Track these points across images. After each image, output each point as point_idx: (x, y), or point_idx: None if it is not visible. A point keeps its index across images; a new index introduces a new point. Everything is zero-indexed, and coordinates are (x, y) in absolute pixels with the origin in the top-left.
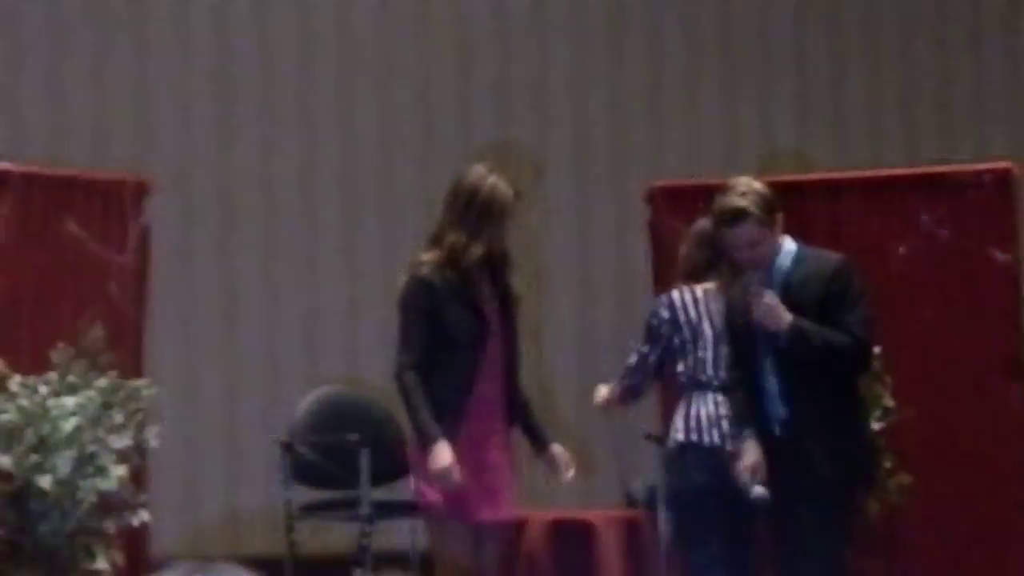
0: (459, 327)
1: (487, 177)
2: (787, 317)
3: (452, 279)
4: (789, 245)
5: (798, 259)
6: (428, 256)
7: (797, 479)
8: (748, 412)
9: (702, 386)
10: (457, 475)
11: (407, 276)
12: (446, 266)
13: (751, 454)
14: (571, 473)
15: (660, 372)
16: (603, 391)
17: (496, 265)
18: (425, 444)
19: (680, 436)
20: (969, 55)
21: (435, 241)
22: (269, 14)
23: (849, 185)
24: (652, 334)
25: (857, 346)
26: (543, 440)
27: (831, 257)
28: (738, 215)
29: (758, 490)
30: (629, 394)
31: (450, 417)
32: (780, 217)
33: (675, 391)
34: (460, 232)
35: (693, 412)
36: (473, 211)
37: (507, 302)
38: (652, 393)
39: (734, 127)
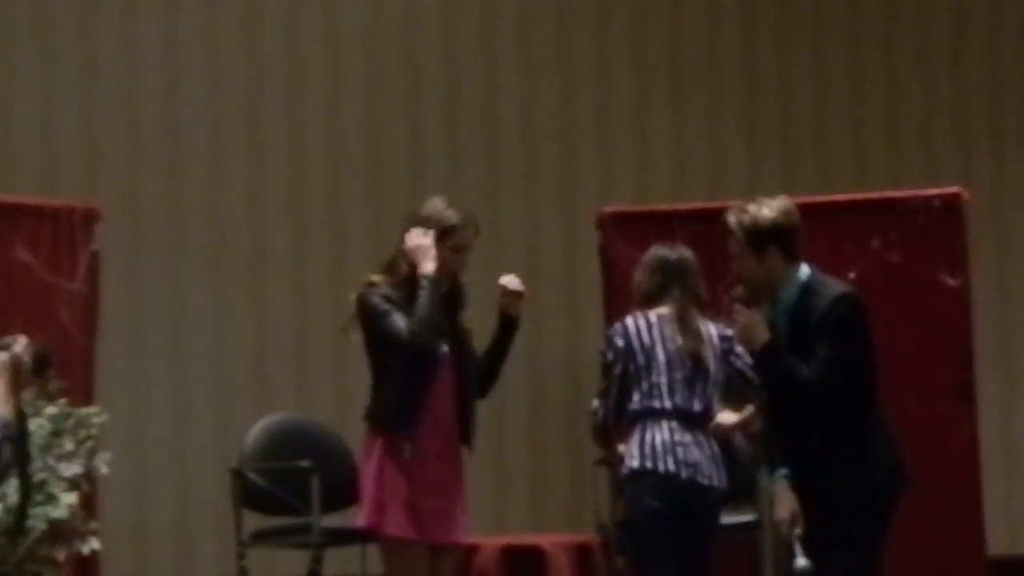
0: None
1: (444, 210)
2: (762, 338)
3: (402, 298)
4: (801, 274)
5: (807, 289)
6: (378, 278)
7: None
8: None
9: (655, 413)
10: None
11: (358, 292)
12: (395, 288)
13: (785, 502)
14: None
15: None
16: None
17: (448, 299)
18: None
19: (635, 463)
20: (917, 79)
21: (388, 269)
22: (218, 40)
23: (800, 211)
24: (609, 366)
25: (814, 383)
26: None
27: (834, 289)
28: (726, 227)
29: (801, 563)
30: (603, 436)
31: (407, 420)
32: (774, 250)
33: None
34: (407, 263)
35: (648, 439)
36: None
37: (459, 333)
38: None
39: (683, 153)
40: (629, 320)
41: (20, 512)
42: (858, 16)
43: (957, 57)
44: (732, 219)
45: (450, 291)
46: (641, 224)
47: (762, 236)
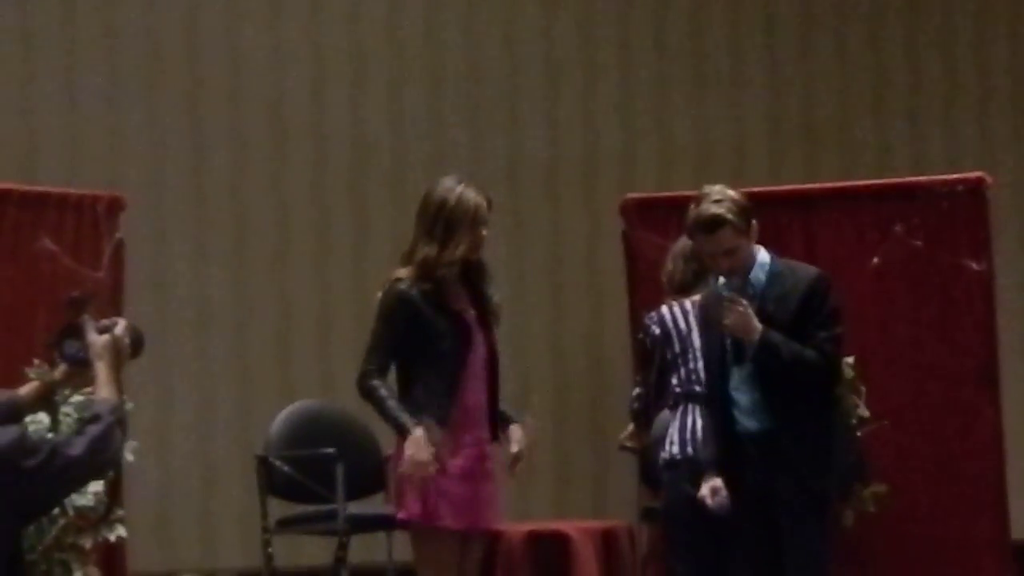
0: (440, 337)
1: (455, 188)
2: (758, 327)
3: (429, 291)
4: (763, 256)
5: (773, 272)
6: (403, 272)
7: (777, 494)
8: (716, 429)
9: (695, 397)
10: (432, 469)
11: (383, 291)
12: (421, 279)
13: (710, 481)
14: (531, 438)
15: (661, 387)
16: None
17: (473, 275)
18: (402, 434)
19: (675, 449)
20: (939, 65)
21: (408, 257)
22: (240, 32)
23: (822, 196)
24: (647, 354)
25: (825, 363)
26: (507, 419)
27: (808, 272)
28: (715, 222)
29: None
30: (643, 422)
31: (440, 415)
32: (755, 225)
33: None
34: (431, 244)
35: (688, 424)
36: (442, 222)
37: (486, 311)
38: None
39: (705, 140)
40: (664, 308)
41: (111, 499)
42: (880, 3)
43: (979, 43)
44: (721, 210)
45: (475, 268)
46: (663, 211)
47: (749, 215)
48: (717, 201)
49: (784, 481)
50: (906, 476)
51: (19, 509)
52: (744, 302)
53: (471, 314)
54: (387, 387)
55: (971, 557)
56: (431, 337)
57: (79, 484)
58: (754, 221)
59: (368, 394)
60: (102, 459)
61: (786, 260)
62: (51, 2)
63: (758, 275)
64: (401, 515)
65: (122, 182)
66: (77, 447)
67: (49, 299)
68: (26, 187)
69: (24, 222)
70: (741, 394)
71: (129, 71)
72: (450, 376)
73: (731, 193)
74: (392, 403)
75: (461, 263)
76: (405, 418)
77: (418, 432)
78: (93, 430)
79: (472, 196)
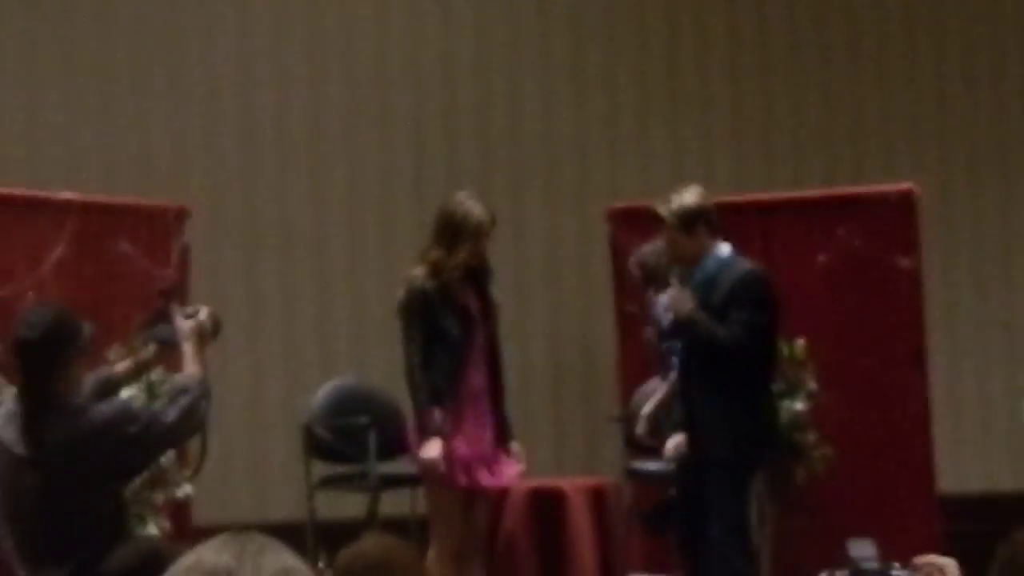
0: (449, 327)
1: (464, 203)
2: (688, 306)
3: (437, 287)
4: (721, 252)
5: (722, 265)
6: (417, 270)
7: (700, 466)
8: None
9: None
10: (443, 468)
11: (404, 288)
12: (431, 277)
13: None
14: (522, 467)
15: None
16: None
17: (478, 276)
18: (424, 434)
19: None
20: (877, 89)
21: (422, 258)
22: (284, 62)
23: (777, 204)
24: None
25: (733, 342)
26: (507, 434)
27: (742, 267)
28: (655, 218)
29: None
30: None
31: (445, 402)
32: (701, 227)
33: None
34: (440, 249)
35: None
36: (450, 231)
37: (488, 306)
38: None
39: (679, 156)
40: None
41: (201, 457)
42: (827, 37)
43: (910, 68)
44: (663, 209)
45: (480, 270)
46: (644, 218)
47: (691, 217)
48: (667, 201)
49: (698, 447)
50: (849, 441)
51: (123, 468)
52: (677, 284)
53: (475, 309)
54: (427, 385)
55: (904, 508)
56: (441, 327)
57: (172, 446)
58: (700, 223)
59: (414, 388)
60: (191, 425)
61: (737, 257)
62: (125, 39)
63: (708, 266)
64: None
65: (185, 195)
66: (171, 415)
67: (125, 295)
68: (106, 199)
69: (104, 229)
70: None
71: (191, 98)
72: (457, 360)
73: (686, 197)
74: (429, 406)
75: (465, 267)
76: (432, 421)
77: (436, 441)
78: (184, 400)
79: (477, 211)
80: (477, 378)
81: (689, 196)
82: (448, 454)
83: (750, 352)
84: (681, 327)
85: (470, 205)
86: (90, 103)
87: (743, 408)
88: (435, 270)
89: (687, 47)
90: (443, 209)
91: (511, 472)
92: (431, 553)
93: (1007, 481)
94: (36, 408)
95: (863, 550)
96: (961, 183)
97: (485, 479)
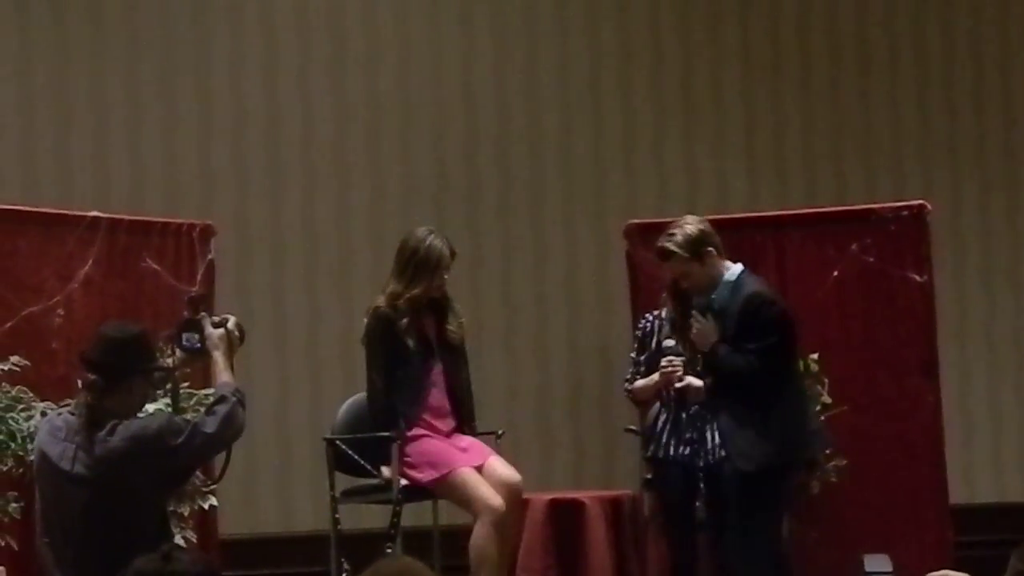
0: (407, 354)
1: (426, 239)
2: (712, 339)
3: (397, 317)
4: (731, 274)
5: (735, 287)
6: (380, 299)
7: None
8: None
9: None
10: (399, 485)
11: (367, 316)
12: (391, 307)
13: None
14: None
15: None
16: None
17: (439, 308)
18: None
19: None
20: (888, 109)
21: (383, 290)
22: (308, 84)
23: (791, 221)
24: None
25: (750, 371)
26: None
27: (749, 289)
28: (663, 254)
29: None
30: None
31: (405, 421)
32: (710, 251)
33: None
34: (400, 282)
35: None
36: (411, 265)
37: (447, 337)
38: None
39: (694, 173)
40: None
41: (224, 467)
42: (837, 59)
43: (920, 92)
44: (668, 244)
45: (442, 301)
46: (661, 234)
47: (697, 244)
48: (670, 235)
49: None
50: (862, 452)
51: (168, 478)
52: (701, 319)
53: (433, 337)
54: (389, 410)
55: (917, 518)
56: (402, 352)
57: (213, 455)
58: (710, 248)
59: (375, 411)
60: (231, 433)
61: (745, 277)
62: (153, 63)
63: (722, 291)
64: (426, 483)
65: (212, 213)
66: (210, 425)
67: (152, 309)
68: (134, 217)
69: (132, 246)
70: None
71: (218, 121)
72: (417, 383)
73: (688, 227)
74: (386, 427)
75: (427, 298)
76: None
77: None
78: (221, 410)
79: (438, 246)
80: (438, 401)
81: (690, 226)
82: (416, 457)
83: (769, 374)
84: (706, 360)
85: (431, 240)
86: (118, 128)
87: (775, 419)
88: (392, 301)
89: (702, 66)
90: (406, 243)
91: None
92: (477, 531)
93: (1018, 492)
94: (91, 425)
95: (879, 565)
96: (970, 200)
97: (465, 460)
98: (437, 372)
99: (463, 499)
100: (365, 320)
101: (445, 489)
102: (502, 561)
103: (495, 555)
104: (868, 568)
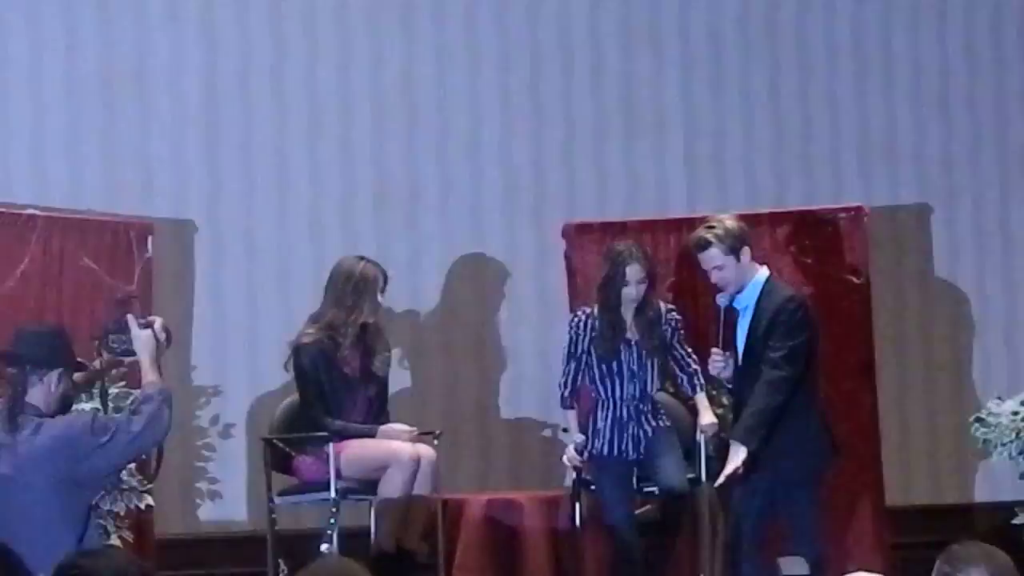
0: (335, 381)
1: (358, 264)
2: (740, 458)
3: (330, 347)
4: (760, 276)
5: (763, 292)
6: (311, 330)
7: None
8: None
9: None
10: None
11: (296, 348)
12: (327, 338)
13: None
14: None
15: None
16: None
17: (367, 336)
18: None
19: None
20: (827, 114)
21: (316, 319)
22: (283, 85)
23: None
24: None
25: (778, 384)
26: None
27: (781, 295)
28: (702, 243)
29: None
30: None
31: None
32: (747, 250)
33: None
34: (341, 309)
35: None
36: (351, 291)
37: (372, 369)
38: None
39: (633, 175)
40: None
41: (157, 465)
42: (775, 65)
43: (859, 97)
44: (708, 235)
45: (372, 330)
46: (598, 234)
47: (738, 240)
48: (710, 227)
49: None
50: None
51: (94, 477)
52: (720, 354)
53: (359, 364)
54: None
55: (854, 519)
56: (330, 381)
57: (139, 454)
58: (746, 246)
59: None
60: (156, 432)
61: (775, 284)
62: (161, 69)
63: (751, 294)
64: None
65: (152, 211)
66: (136, 424)
67: (90, 308)
68: (70, 215)
69: (69, 244)
70: None
71: (194, 124)
72: (343, 408)
73: (728, 222)
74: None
75: (361, 325)
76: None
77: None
78: (147, 409)
79: (372, 270)
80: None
81: (731, 221)
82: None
83: (796, 376)
84: (757, 446)
85: (364, 265)
86: (55, 124)
87: (806, 425)
88: (333, 330)
89: (641, 74)
90: (339, 270)
91: None
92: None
93: (954, 494)
94: (11, 420)
95: (795, 567)
96: (908, 202)
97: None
98: (362, 400)
99: (376, 459)
100: (292, 353)
101: (366, 463)
102: (413, 516)
103: (404, 502)
104: (784, 571)
